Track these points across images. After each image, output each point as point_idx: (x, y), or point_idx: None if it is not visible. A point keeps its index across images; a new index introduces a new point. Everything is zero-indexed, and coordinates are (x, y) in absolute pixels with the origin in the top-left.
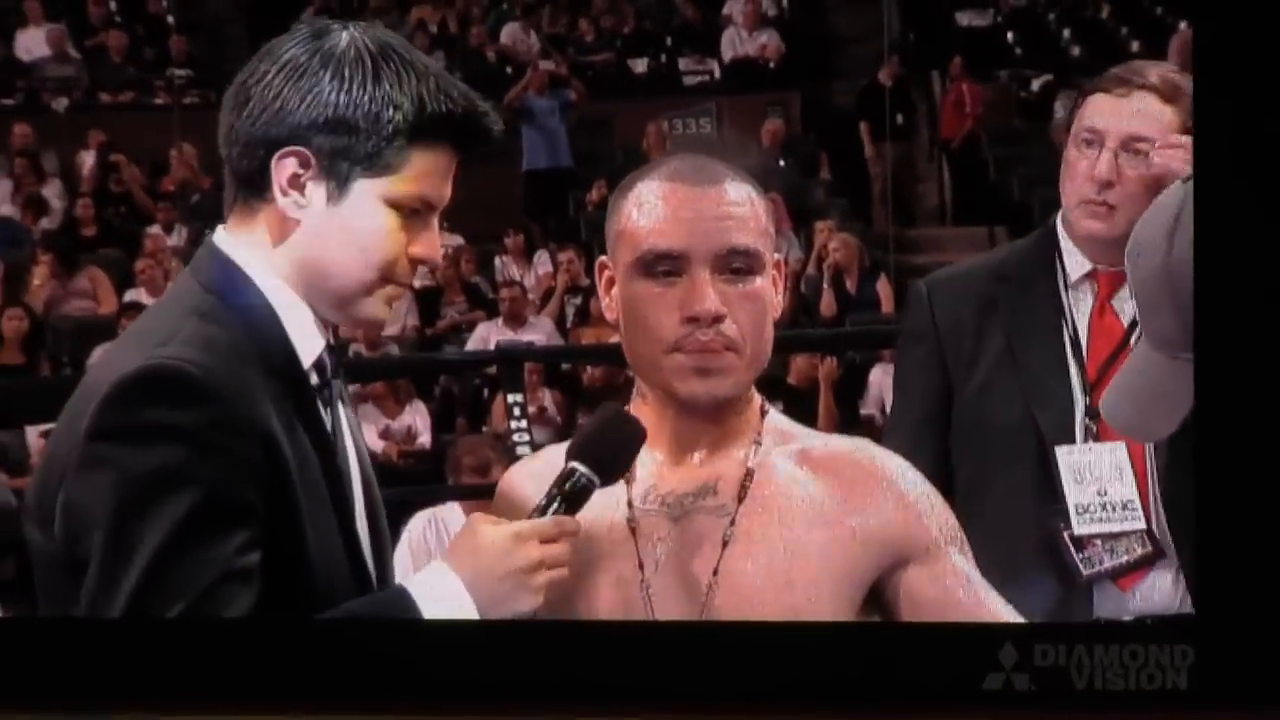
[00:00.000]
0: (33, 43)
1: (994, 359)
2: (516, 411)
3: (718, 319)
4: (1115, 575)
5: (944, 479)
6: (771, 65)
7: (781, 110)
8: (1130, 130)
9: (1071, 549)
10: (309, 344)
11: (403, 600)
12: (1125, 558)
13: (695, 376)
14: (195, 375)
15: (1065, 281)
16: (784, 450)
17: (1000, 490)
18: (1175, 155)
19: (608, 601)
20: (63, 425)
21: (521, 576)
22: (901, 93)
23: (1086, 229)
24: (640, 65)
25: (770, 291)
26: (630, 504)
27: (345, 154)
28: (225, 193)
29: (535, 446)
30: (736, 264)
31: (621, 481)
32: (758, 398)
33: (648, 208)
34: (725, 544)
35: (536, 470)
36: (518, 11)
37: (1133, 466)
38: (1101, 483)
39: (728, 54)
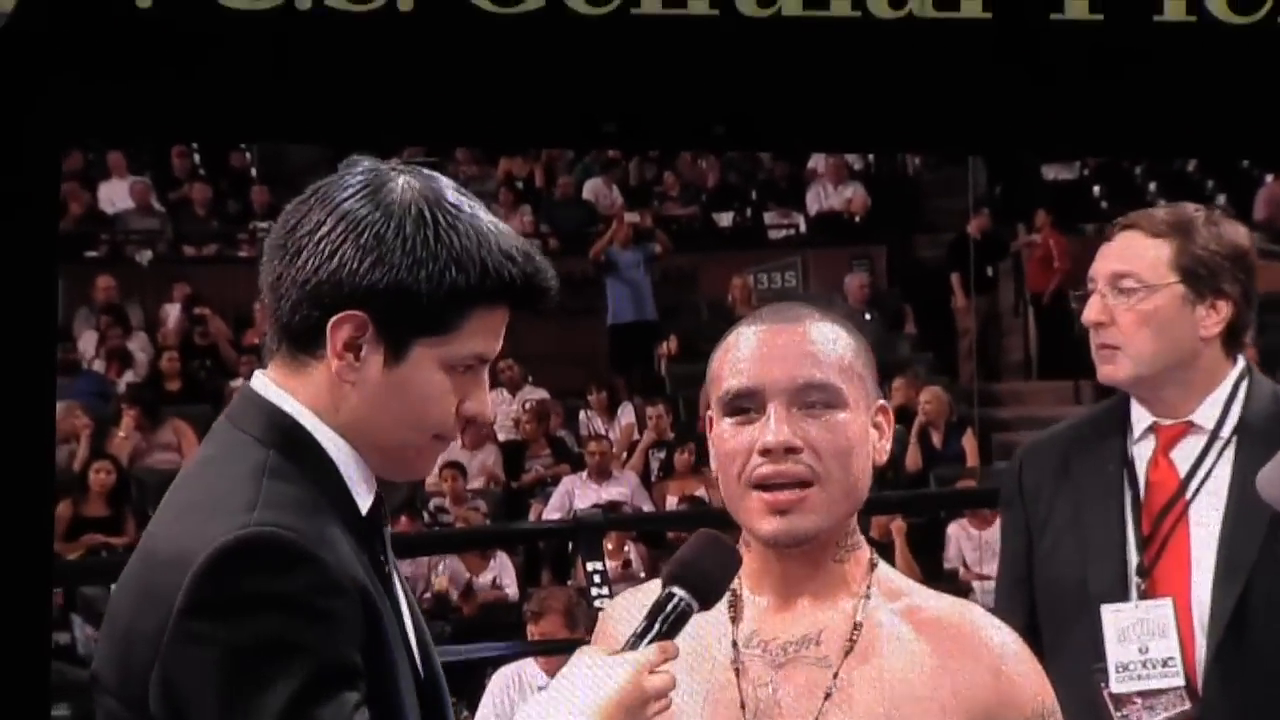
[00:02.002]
0: (116, 195)
1: (1062, 520)
2: (597, 579)
3: (791, 450)
4: None
5: (1036, 640)
6: (857, 219)
7: (867, 264)
8: (1113, 269)
9: (1110, 706)
10: (363, 492)
11: None
12: (1164, 714)
13: (773, 515)
14: (292, 540)
15: (1131, 437)
16: (891, 606)
17: (1068, 651)
18: (1166, 293)
19: None
20: (138, 595)
21: (636, 708)
22: (989, 246)
23: (1100, 374)
24: (725, 219)
25: (858, 428)
26: (735, 644)
27: (404, 320)
28: (268, 338)
29: None
30: (813, 398)
31: (728, 619)
32: (866, 549)
33: (733, 352)
34: (827, 696)
35: (641, 602)
36: (602, 166)
37: (1178, 623)
38: (1144, 640)
39: (813, 207)
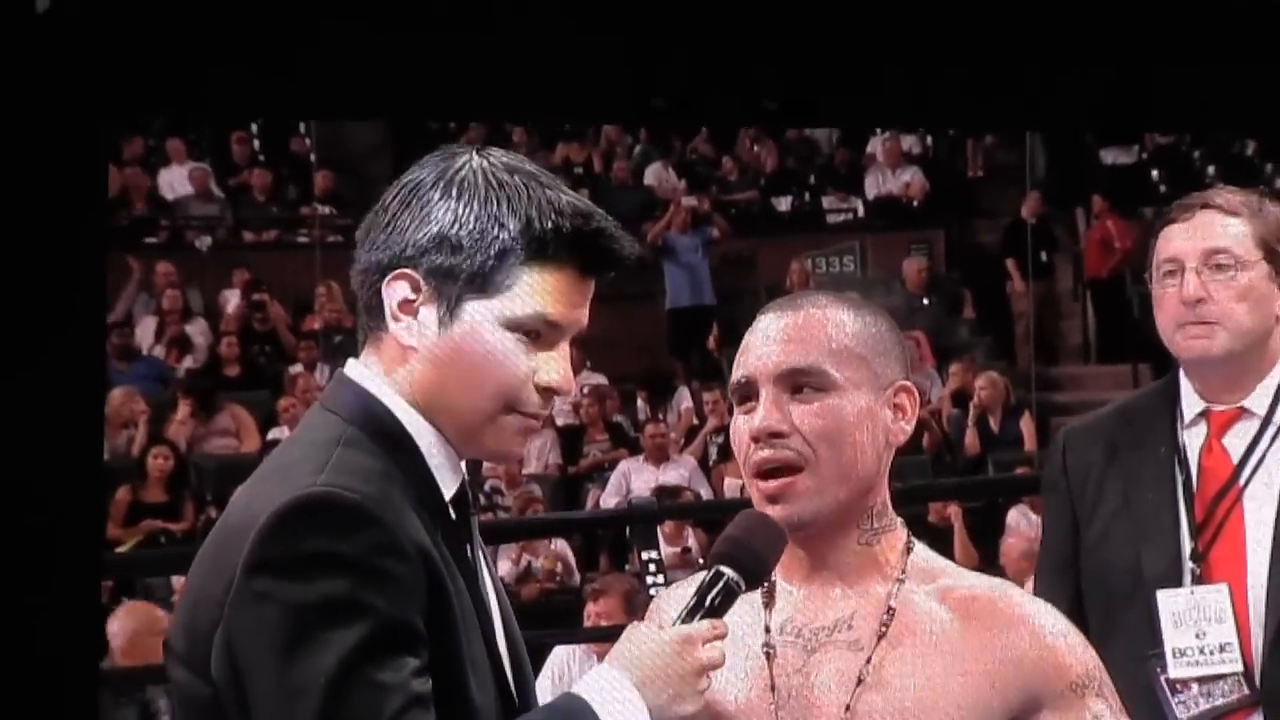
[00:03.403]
0: (176, 181)
1: (1112, 505)
2: (652, 568)
3: (776, 435)
4: (1213, 718)
5: (1081, 625)
6: (915, 203)
7: (925, 248)
8: (1206, 246)
9: (1168, 692)
10: (448, 478)
11: (580, 707)
12: (1222, 700)
13: (767, 503)
14: (355, 501)
15: (1181, 423)
16: (927, 588)
17: (1119, 636)
18: (1257, 270)
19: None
20: (208, 562)
21: (691, 680)
22: (1045, 230)
23: (1190, 352)
24: (784, 203)
25: (855, 411)
26: (768, 629)
27: (452, 274)
28: (358, 324)
29: None
30: (802, 382)
31: (762, 605)
32: (902, 532)
33: (742, 345)
34: (860, 681)
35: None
36: (660, 150)
37: (1234, 609)
38: (1201, 625)
39: (871, 192)
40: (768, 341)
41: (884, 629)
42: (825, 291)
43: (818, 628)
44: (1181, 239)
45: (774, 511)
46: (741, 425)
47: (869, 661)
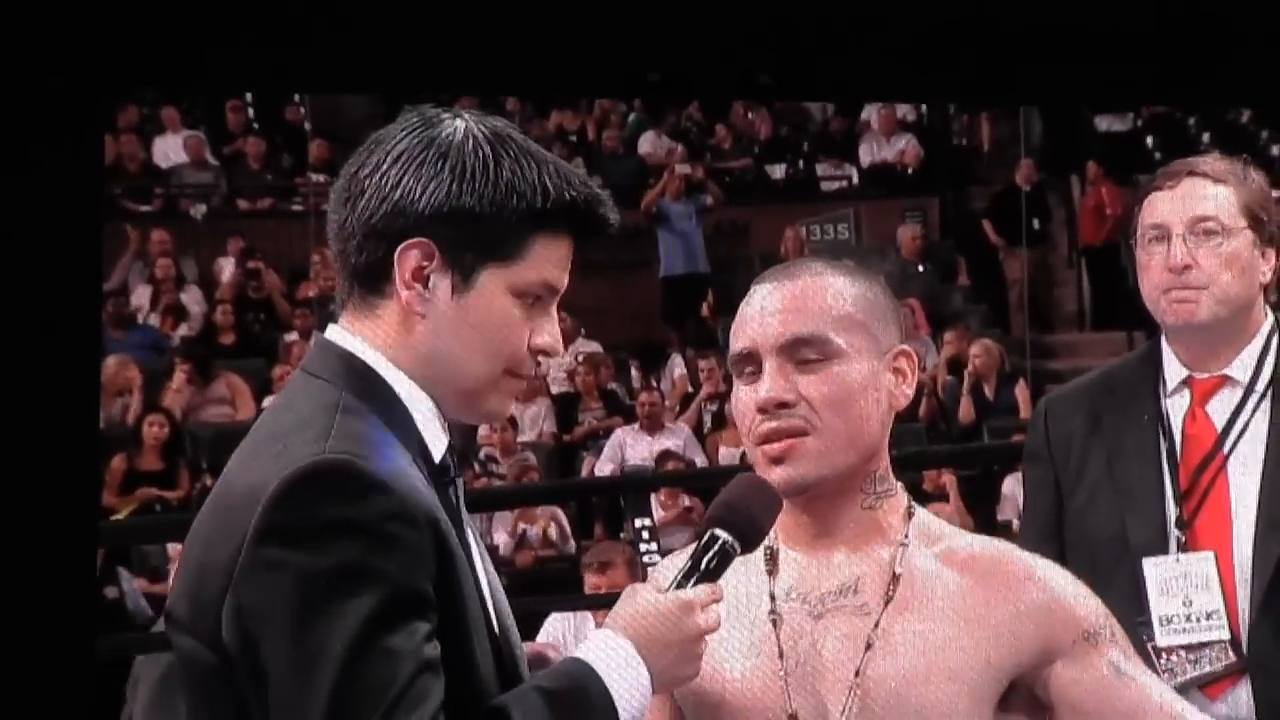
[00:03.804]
0: (171, 150)
1: (1096, 474)
2: (645, 535)
3: (782, 405)
4: (1201, 684)
5: None
6: (910, 171)
7: (920, 216)
8: (1192, 213)
9: (1154, 659)
10: (436, 442)
11: (585, 672)
12: (1209, 668)
13: (773, 465)
14: (365, 468)
15: (1164, 391)
16: (930, 551)
17: (1106, 605)
18: (1242, 237)
19: (745, 688)
20: (211, 530)
21: (691, 645)
22: (1038, 197)
23: (1176, 317)
24: (778, 171)
25: (859, 376)
26: (773, 596)
27: (469, 243)
28: (338, 290)
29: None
30: (804, 352)
31: (765, 573)
32: (903, 496)
33: (738, 316)
34: (869, 646)
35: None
36: (653, 118)
37: (1220, 577)
38: (1187, 593)
39: (866, 160)
40: (768, 312)
41: (891, 593)
42: (819, 259)
43: (824, 593)
44: (1167, 205)
45: (779, 473)
46: (745, 396)
47: (877, 626)
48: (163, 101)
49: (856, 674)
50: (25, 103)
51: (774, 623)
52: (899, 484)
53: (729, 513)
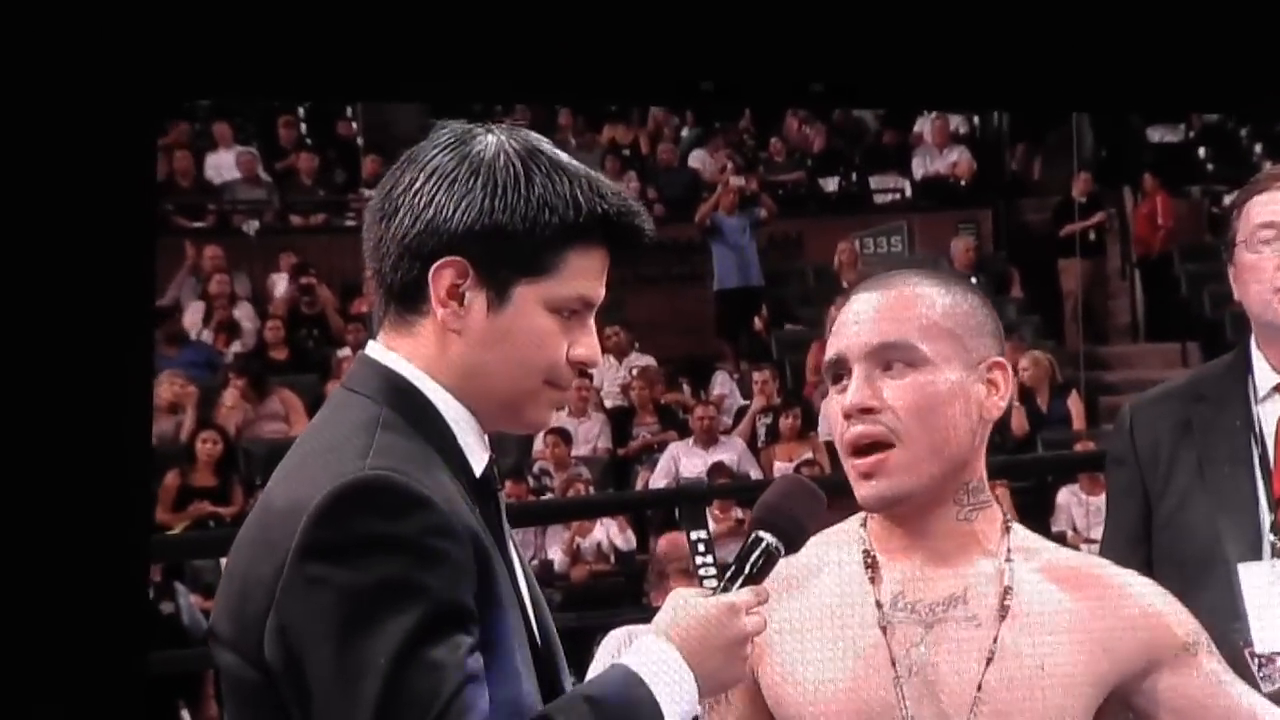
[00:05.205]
0: (223, 165)
1: (1186, 480)
2: (701, 548)
3: (867, 410)
4: None
5: None
6: (963, 183)
7: (973, 228)
8: None
9: (1253, 666)
10: (476, 456)
11: (631, 678)
12: None
13: (862, 480)
14: (406, 484)
15: (1255, 397)
16: (1031, 565)
17: (1198, 610)
18: None
19: (860, 695)
20: (254, 546)
21: (736, 649)
22: (1094, 209)
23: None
24: (831, 184)
25: (946, 386)
26: (879, 604)
27: (503, 260)
28: (375, 307)
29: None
30: (892, 358)
31: (867, 580)
32: (998, 509)
33: (833, 324)
34: (990, 659)
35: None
36: (706, 132)
37: None
38: None
39: (918, 172)
40: (858, 320)
41: (1005, 606)
42: (919, 270)
43: (932, 603)
44: (1271, 208)
45: (868, 488)
46: (835, 403)
47: (995, 640)
48: (214, 117)
49: (979, 687)
50: (78, 120)
51: (884, 629)
52: (991, 497)
53: (772, 514)
